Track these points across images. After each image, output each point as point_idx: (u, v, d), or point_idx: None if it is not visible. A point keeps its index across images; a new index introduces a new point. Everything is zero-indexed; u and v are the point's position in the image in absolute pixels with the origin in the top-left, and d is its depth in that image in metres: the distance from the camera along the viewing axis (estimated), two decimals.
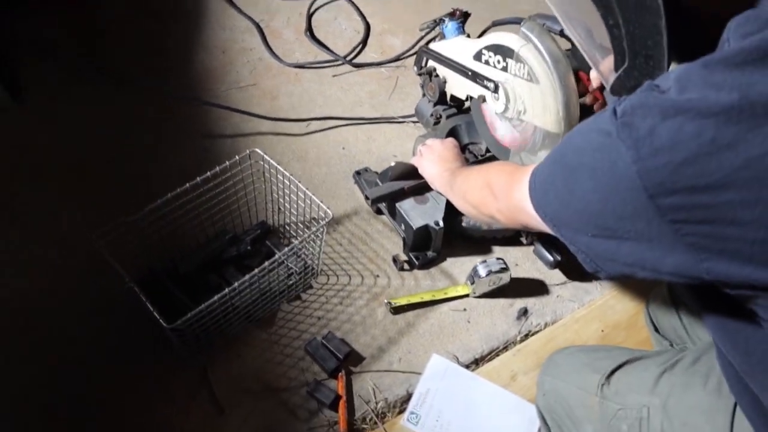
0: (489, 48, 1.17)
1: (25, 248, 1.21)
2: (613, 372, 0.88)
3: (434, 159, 1.22)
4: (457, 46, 1.28)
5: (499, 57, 1.15)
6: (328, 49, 1.71)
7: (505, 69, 1.15)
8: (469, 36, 1.32)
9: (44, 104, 1.48)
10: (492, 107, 1.22)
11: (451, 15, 1.40)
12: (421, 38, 1.74)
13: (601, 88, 1.08)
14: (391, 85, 1.65)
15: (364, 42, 1.76)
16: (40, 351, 1.08)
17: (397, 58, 1.71)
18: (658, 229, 0.54)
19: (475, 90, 1.25)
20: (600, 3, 0.63)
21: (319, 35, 1.76)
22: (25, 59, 1.57)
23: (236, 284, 1.00)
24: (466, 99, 1.31)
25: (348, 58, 1.70)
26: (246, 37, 1.74)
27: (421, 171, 1.25)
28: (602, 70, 0.70)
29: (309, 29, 1.78)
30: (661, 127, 0.51)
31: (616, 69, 0.64)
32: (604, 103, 1.10)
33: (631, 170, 0.53)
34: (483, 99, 1.24)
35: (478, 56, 1.21)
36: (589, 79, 1.08)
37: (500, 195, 0.89)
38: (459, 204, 1.08)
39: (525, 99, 1.14)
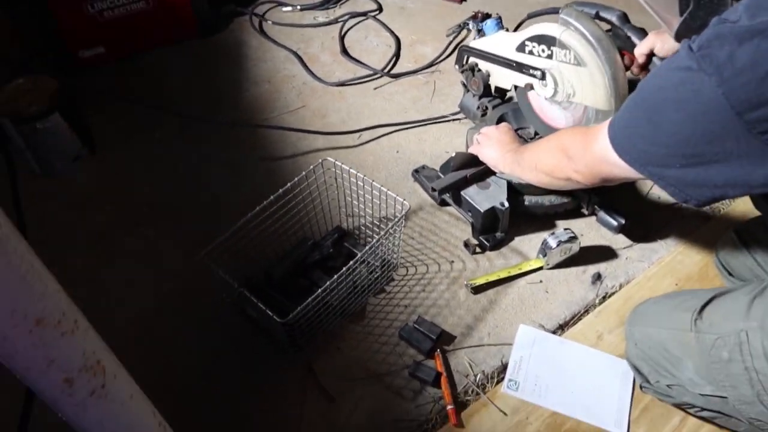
0: (532, 39, 1.26)
1: (136, 278, 1.30)
2: (703, 308, 0.94)
3: (493, 144, 1.30)
4: (498, 41, 1.36)
5: (543, 46, 1.23)
6: (365, 65, 1.81)
7: (550, 57, 1.23)
8: (508, 30, 1.41)
9: (118, 151, 1.59)
10: (541, 93, 1.30)
11: (474, 18, 1.49)
12: (450, 42, 1.84)
13: (646, 64, 1.15)
14: (430, 89, 1.74)
15: (397, 54, 1.86)
16: (165, 362, 1.16)
17: (431, 64, 1.81)
18: (747, 143, 0.61)
19: (521, 79, 1.33)
20: None
21: (355, 54, 1.87)
22: (90, 112, 1.69)
23: (329, 282, 1.08)
24: (512, 89, 1.39)
25: (385, 71, 1.79)
26: (287, 66, 1.85)
27: (482, 158, 1.33)
28: (665, 16, 0.77)
29: (344, 50, 1.88)
30: (740, 50, 0.59)
31: (681, 13, 0.71)
32: None
33: (717, 93, 0.60)
34: (530, 87, 1.32)
35: (521, 48, 1.29)
36: (633, 57, 1.16)
37: (576, 155, 0.96)
38: (530, 177, 1.15)
39: (573, 82, 1.22)
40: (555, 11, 1.24)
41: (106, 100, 1.71)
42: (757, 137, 0.60)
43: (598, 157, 0.87)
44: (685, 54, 0.64)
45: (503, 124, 1.36)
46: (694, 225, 1.36)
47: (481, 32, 1.43)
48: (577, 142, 0.97)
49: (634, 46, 1.14)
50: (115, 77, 1.81)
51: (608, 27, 1.20)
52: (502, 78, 1.40)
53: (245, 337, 1.18)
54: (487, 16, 1.47)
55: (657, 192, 1.42)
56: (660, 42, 1.06)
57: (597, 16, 1.19)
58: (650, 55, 1.12)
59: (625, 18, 1.17)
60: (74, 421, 0.53)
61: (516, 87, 1.38)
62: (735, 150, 0.64)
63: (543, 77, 1.27)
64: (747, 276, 1.13)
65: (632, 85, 1.18)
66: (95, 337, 0.51)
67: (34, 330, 0.42)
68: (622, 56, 1.16)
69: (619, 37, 1.17)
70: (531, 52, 1.28)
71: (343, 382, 1.13)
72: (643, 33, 1.14)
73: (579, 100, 1.23)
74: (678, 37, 0.74)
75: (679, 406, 1.03)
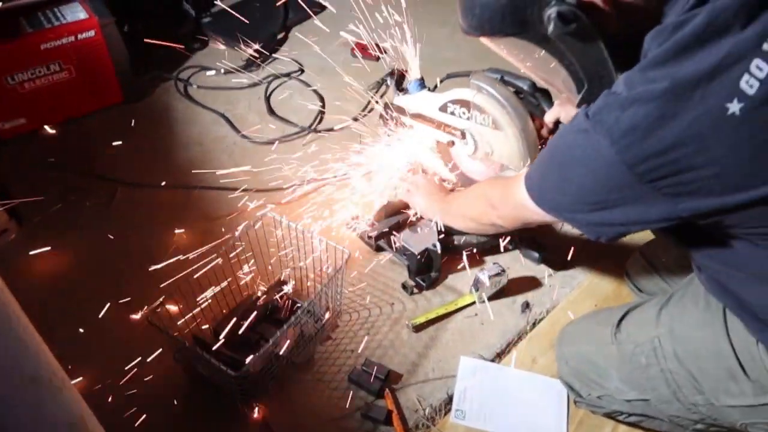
0: (453, 101, 1.38)
1: (79, 347, 1.27)
2: (620, 322, 1.06)
3: (421, 193, 1.40)
4: (421, 100, 1.48)
5: (464, 109, 1.36)
6: (292, 123, 1.89)
7: (469, 119, 1.36)
8: (430, 89, 1.52)
9: (46, 222, 1.56)
10: (462, 151, 1.42)
11: (391, 74, 1.61)
12: (371, 98, 1.96)
13: (555, 129, 1.29)
14: (356, 141, 1.84)
15: (322, 111, 1.96)
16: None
17: (355, 119, 1.91)
18: (639, 190, 0.74)
19: (443, 137, 1.45)
20: (557, 56, 0.86)
21: (281, 113, 1.95)
22: (15, 183, 1.65)
23: (278, 332, 1.12)
24: (435, 144, 1.50)
25: (312, 127, 1.88)
26: (216, 127, 1.89)
27: (412, 206, 1.42)
28: (563, 91, 0.91)
29: (270, 109, 1.96)
30: (623, 116, 0.72)
31: (579, 92, 0.86)
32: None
33: (611, 152, 0.73)
34: (452, 143, 1.44)
35: (444, 108, 1.41)
36: (542, 122, 1.30)
37: (499, 203, 1.07)
38: (458, 223, 1.26)
39: (491, 143, 1.35)
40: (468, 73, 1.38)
41: (31, 171, 1.69)
42: (647, 185, 0.73)
43: (518, 204, 0.97)
44: (582, 119, 0.77)
45: (430, 174, 1.47)
46: (605, 251, 1.50)
47: (405, 91, 1.55)
48: (498, 192, 1.08)
49: (543, 111, 1.28)
50: (39, 147, 1.78)
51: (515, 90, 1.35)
52: (425, 133, 1.51)
53: (197, 396, 1.18)
54: (402, 73, 1.59)
55: (569, 227, 1.56)
56: (564, 111, 1.21)
57: (502, 80, 1.33)
58: (557, 122, 1.26)
59: (534, 86, 1.31)
60: None
61: (438, 142, 1.50)
62: (631, 196, 0.76)
63: (463, 137, 1.39)
64: (654, 291, 1.27)
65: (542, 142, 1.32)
66: (77, 394, 0.54)
67: (29, 388, 0.45)
68: (533, 120, 1.30)
69: (530, 103, 1.31)
70: (453, 113, 1.40)
71: (296, 428, 1.16)
72: (550, 100, 1.29)
73: (496, 158, 1.36)
74: (579, 106, 0.87)
75: (610, 415, 1.13)
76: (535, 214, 0.93)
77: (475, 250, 1.45)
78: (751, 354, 0.87)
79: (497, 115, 1.29)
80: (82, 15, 1.77)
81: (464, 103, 1.35)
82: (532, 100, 1.32)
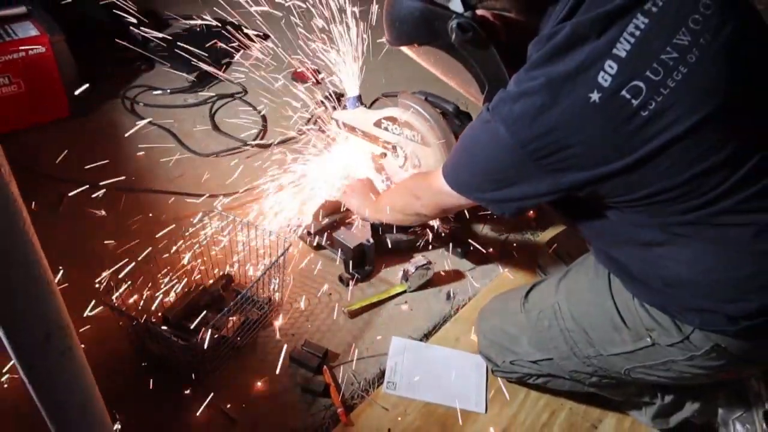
0: (387, 118, 1.55)
1: None
2: (527, 294, 1.23)
3: (355, 195, 1.56)
4: (358, 116, 1.64)
5: (396, 125, 1.53)
6: (236, 138, 2.02)
7: (401, 134, 1.53)
8: (366, 106, 1.68)
9: None
10: (392, 162, 1.59)
11: (328, 96, 1.77)
12: (312, 116, 2.12)
13: None
14: (296, 154, 1.98)
15: (264, 128, 2.10)
16: None
17: (297, 135, 2.06)
18: (531, 167, 0.93)
19: (376, 149, 1.61)
20: (462, 61, 1.05)
21: (226, 129, 2.07)
22: None
23: (226, 309, 1.23)
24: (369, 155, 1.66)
25: (255, 141, 2.01)
26: (162, 141, 1.99)
27: (347, 206, 1.57)
28: (472, 93, 1.11)
29: (215, 126, 2.08)
30: (514, 107, 0.91)
31: (482, 91, 1.06)
32: None
33: (506, 136, 0.92)
34: (383, 155, 1.60)
35: (378, 123, 1.58)
36: None
37: (420, 193, 1.24)
38: (387, 217, 1.41)
39: (420, 156, 1.52)
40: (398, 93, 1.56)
41: None
42: (536, 162, 0.91)
43: (437, 191, 1.14)
44: (485, 112, 0.96)
45: (365, 177, 1.63)
46: (520, 247, 1.69)
47: (344, 107, 1.71)
48: (420, 184, 1.25)
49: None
50: None
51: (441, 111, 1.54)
52: (360, 145, 1.67)
53: (148, 376, 1.26)
54: (340, 94, 1.76)
55: (488, 227, 1.75)
56: None
57: (426, 100, 1.51)
58: None
59: (457, 109, 1.51)
60: (47, 381, 0.64)
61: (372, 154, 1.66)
62: (524, 173, 0.94)
63: (395, 150, 1.56)
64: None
65: None
66: (64, 306, 0.64)
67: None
68: (456, 138, 1.49)
69: (453, 123, 1.50)
70: (386, 128, 1.57)
71: (243, 404, 1.25)
72: (471, 120, 1.48)
73: (423, 170, 1.53)
74: (483, 103, 1.06)
75: (522, 381, 1.28)
76: (451, 197, 1.10)
77: (407, 247, 1.61)
78: (628, 307, 1.06)
79: (425, 131, 1.47)
80: (33, 32, 1.86)
81: (396, 120, 1.53)
82: (456, 121, 1.51)
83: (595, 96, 0.85)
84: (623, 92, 0.85)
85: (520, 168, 0.94)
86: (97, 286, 1.30)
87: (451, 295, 1.54)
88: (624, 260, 1.04)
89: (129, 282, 1.26)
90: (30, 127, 1.95)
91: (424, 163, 1.52)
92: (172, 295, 1.39)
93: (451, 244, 1.61)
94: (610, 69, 0.85)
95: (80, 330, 1.31)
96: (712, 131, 0.86)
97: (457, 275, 1.60)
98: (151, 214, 1.69)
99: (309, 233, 1.56)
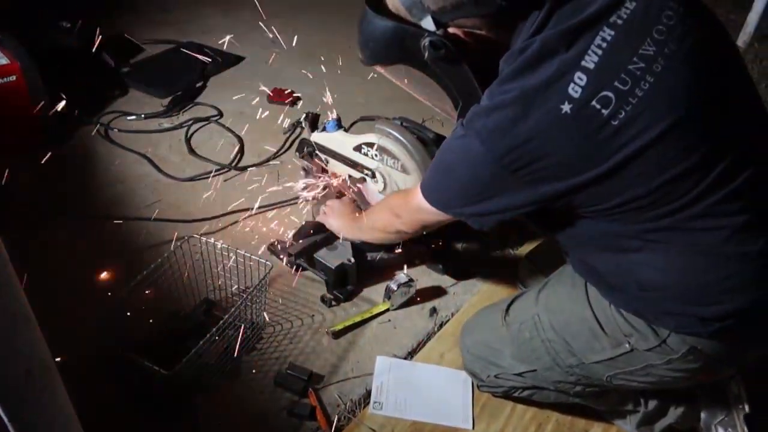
0: (367, 144, 1.56)
1: None
2: (508, 308, 1.24)
3: (337, 215, 1.56)
4: (337, 140, 1.64)
5: (376, 151, 1.54)
6: (213, 161, 2.01)
7: (381, 161, 1.54)
8: (346, 129, 1.68)
9: None
10: (372, 188, 1.60)
11: (305, 117, 1.78)
12: (288, 138, 2.12)
13: None
14: (275, 177, 1.98)
15: (241, 151, 2.09)
16: None
17: (274, 156, 2.06)
18: (506, 180, 0.94)
19: (355, 173, 1.62)
20: (435, 78, 1.07)
21: (202, 153, 2.06)
22: None
23: (208, 335, 1.21)
24: (347, 178, 1.66)
25: (233, 165, 2.01)
26: (138, 167, 1.98)
27: (328, 226, 1.57)
28: (446, 110, 1.13)
29: (191, 150, 2.07)
30: (488, 120, 0.92)
31: (455, 107, 1.07)
32: None
33: (481, 150, 0.93)
34: (363, 180, 1.61)
35: (358, 148, 1.58)
36: None
37: (400, 211, 1.25)
38: (368, 236, 1.42)
39: (398, 182, 1.53)
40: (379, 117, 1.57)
41: None
42: (512, 174, 0.93)
43: (416, 209, 1.15)
44: (459, 128, 0.97)
45: (344, 198, 1.63)
46: (500, 262, 1.71)
47: (323, 129, 1.71)
48: (400, 202, 1.26)
49: None
50: None
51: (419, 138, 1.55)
52: (339, 168, 1.68)
53: (132, 409, 1.24)
54: (317, 116, 1.77)
55: (469, 243, 1.76)
56: None
57: (403, 125, 1.53)
58: None
59: (437, 136, 1.52)
60: (28, 419, 0.63)
61: (350, 177, 1.67)
62: (501, 186, 0.96)
63: (374, 176, 1.57)
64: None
65: None
66: (44, 341, 0.63)
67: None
68: None
69: (432, 152, 1.50)
70: (366, 154, 1.57)
71: (229, 430, 1.24)
72: None
73: None
74: (459, 118, 1.07)
75: (507, 395, 1.29)
76: (431, 214, 1.11)
77: (388, 265, 1.61)
78: (606, 315, 1.07)
79: (404, 158, 1.48)
80: (3, 60, 1.83)
81: (377, 147, 1.54)
82: (434, 147, 1.53)
83: (566, 107, 0.87)
84: (593, 102, 0.87)
85: (497, 181, 0.95)
86: (75, 319, 1.27)
87: (435, 311, 1.54)
88: (600, 267, 1.06)
89: (107, 312, 1.24)
90: (2, 155, 1.91)
91: (403, 189, 1.53)
92: (152, 322, 1.37)
93: (433, 261, 1.61)
94: (580, 81, 0.87)
95: (57, 361, 1.29)
96: (681, 138, 0.89)
97: (439, 291, 1.60)
98: (128, 243, 1.67)
99: (289, 255, 1.55)
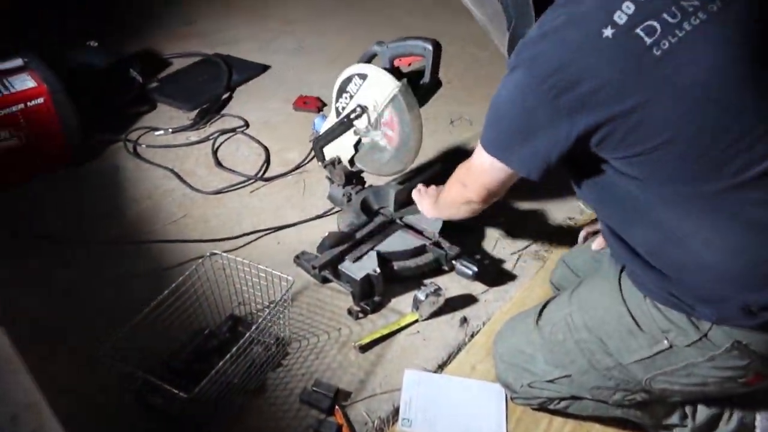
0: (339, 92, 1.60)
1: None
2: (541, 312, 1.19)
3: (426, 196, 1.55)
4: (329, 121, 1.68)
5: (345, 95, 1.59)
6: (239, 173, 2.00)
7: (355, 91, 1.57)
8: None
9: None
10: (363, 126, 1.61)
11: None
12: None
13: None
14: (301, 187, 1.96)
15: (267, 161, 2.07)
16: None
17: (299, 166, 2.03)
18: (548, 109, 0.93)
19: (350, 138, 1.64)
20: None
21: (228, 165, 2.05)
22: None
23: (228, 355, 1.19)
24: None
25: (258, 176, 1.99)
26: (165, 182, 1.98)
27: (420, 207, 1.57)
28: (497, 29, 1.11)
29: (218, 162, 2.06)
30: (534, 49, 0.94)
31: (508, 28, 1.06)
32: None
33: (526, 76, 0.94)
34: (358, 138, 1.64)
35: (337, 114, 1.62)
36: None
37: (465, 179, 1.22)
38: (447, 213, 1.42)
39: (377, 99, 1.55)
40: None
41: None
42: (553, 102, 0.92)
43: (477, 169, 1.14)
44: (510, 62, 0.98)
45: (431, 186, 1.59)
46: (533, 267, 1.63)
47: (314, 132, 1.74)
48: (464, 170, 1.24)
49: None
50: None
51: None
52: (346, 152, 1.67)
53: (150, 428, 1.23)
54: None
55: (500, 246, 1.70)
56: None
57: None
58: None
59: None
60: None
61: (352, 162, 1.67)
62: (543, 117, 0.94)
63: (362, 112, 1.57)
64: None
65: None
66: (31, 379, 0.61)
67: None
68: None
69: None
70: (345, 106, 1.61)
71: None
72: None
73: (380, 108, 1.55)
74: (510, 46, 1.06)
75: (543, 407, 1.22)
76: (490, 170, 1.09)
77: (415, 274, 1.56)
78: (641, 309, 1.02)
79: (364, 69, 1.54)
80: (30, 83, 1.86)
81: (341, 90, 1.59)
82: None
83: (608, 32, 0.88)
84: (637, 30, 0.88)
85: (541, 111, 0.95)
86: (96, 341, 1.26)
87: (465, 320, 1.48)
88: (639, 243, 1.02)
89: (129, 332, 1.23)
90: (32, 178, 1.95)
91: (382, 102, 1.54)
92: (177, 341, 1.36)
93: (461, 266, 1.55)
94: (627, 9, 0.88)
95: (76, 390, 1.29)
96: (727, 88, 0.88)
97: (469, 299, 1.54)
98: (151, 261, 1.67)
99: (314, 268, 1.52)
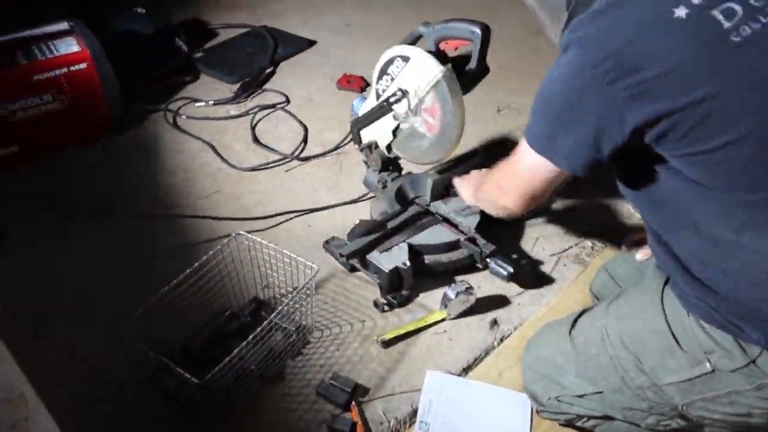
0: (380, 74, 1.54)
1: (51, 368, 1.25)
2: (575, 321, 1.11)
3: (466, 181, 1.49)
4: (369, 103, 1.61)
5: (385, 77, 1.53)
6: (276, 150, 1.96)
7: (396, 73, 1.51)
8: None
9: (29, 249, 1.60)
10: (402, 112, 1.54)
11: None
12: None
13: None
14: (338, 169, 1.90)
15: (305, 140, 2.02)
16: None
17: (337, 147, 1.98)
18: (601, 93, 0.83)
19: (389, 122, 1.57)
20: None
21: (266, 141, 2.01)
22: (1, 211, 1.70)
23: (243, 343, 1.15)
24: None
25: (295, 155, 1.94)
26: (202, 155, 1.96)
27: (459, 192, 1.51)
28: (549, 22, 1.02)
29: (255, 138, 2.02)
30: (592, 25, 0.85)
31: (567, 8, 0.96)
32: None
33: (579, 56, 0.85)
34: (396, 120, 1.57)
35: (377, 97, 1.56)
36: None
37: (506, 184, 1.12)
38: (485, 207, 1.32)
39: (419, 83, 1.47)
40: None
41: (17, 199, 1.74)
42: (610, 85, 0.82)
43: (518, 171, 1.04)
44: (563, 42, 0.88)
45: (474, 172, 1.52)
46: (573, 272, 1.53)
47: (353, 114, 1.68)
48: (504, 173, 1.14)
49: None
50: (28, 175, 1.84)
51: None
52: (384, 137, 1.61)
53: (165, 414, 1.21)
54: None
55: (539, 246, 1.60)
56: None
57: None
58: None
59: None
60: None
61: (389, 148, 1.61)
62: (594, 101, 0.85)
63: (403, 96, 1.50)
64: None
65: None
66: (18, 370, 0.57)
67: None
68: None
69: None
70: (383, 91, 1.54)
71: None
72: None
73: (421, 94, 1.48)
74: (565, 25, 0.95)
75: (571, 424, 1.14)
76: (531, 173, 1.00)
77: (447, 269, 1.49)
78: (683, 326, 0.93)
79: (406, 51, 1.48)
80: (74, 48, 1.86)
81: (382, 71, 1.53)
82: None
83: (680, 11, 0.79)
84: (714, 11, 0.79)
85: (591, 96, 0.85)
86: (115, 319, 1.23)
87: (496, 323, 1.41)
88: (686, 252, 0.92)
89: (148, 312, 1.20)
90: (72, 143, 1.95)
91: (424, 87, 1.46)
92: (198, 322, 1.33)
93: (496, 266, 1.47)
94: None
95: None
96: None
97: (502, 301, 1.46)
98: (178, 236, 1.65)
99: (341, 256, 1.46)
